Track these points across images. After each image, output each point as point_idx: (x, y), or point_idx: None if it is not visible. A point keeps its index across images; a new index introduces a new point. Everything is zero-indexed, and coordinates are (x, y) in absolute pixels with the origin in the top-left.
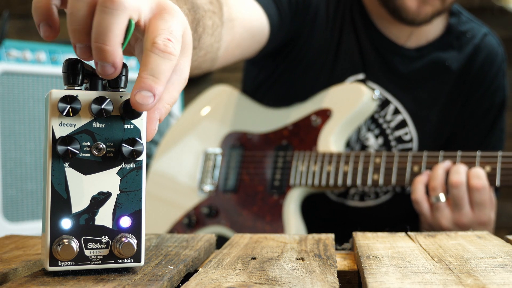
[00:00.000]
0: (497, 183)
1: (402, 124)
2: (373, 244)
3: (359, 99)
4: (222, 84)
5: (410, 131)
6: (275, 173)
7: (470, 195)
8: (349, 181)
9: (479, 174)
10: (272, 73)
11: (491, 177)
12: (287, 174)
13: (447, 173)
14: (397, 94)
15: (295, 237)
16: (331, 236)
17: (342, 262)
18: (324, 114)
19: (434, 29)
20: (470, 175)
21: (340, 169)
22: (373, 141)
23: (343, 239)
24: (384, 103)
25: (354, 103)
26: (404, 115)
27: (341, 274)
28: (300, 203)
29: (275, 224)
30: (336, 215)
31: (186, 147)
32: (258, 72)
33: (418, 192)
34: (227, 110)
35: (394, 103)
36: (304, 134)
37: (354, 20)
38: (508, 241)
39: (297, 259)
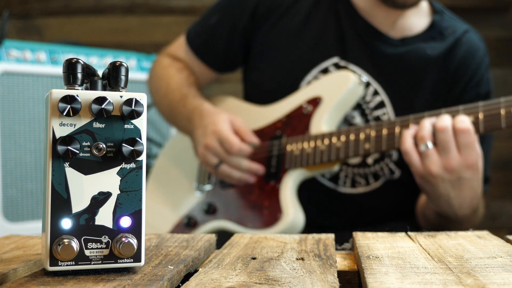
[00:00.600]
0: (481, 130)
1: (380, 105)
2: (373, 244)
3: (347, 84)
4: (220, 95)
5: (388, 112)
6: (271, 161)
7: (456, 139)
8: (341, 155)
9: (463, 119)
10: (249, 71)
11: (475, 125)
12: (282, 159)
13: (434, 127)
14: (377, 76)
15: (295, 237)
16: (331, 236)
17: (342, 262)
18: (315, 102)
19: (418, 25)
20: (455, 120)
21: (333, 145)
22: (359, 120)
23: (337, 226)
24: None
25: (342, 88)
26: (383, 96)
27: (341, 274)
28: (297, 186)
29: (273, 207)
30: (328, 202)
31: (185, 152)
32: (244, 75)
33: (407, 142)
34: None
35: (374, 85)
36: (297, 122)
37: (337, 9)
38: (508, 241)
39: (297, 259)
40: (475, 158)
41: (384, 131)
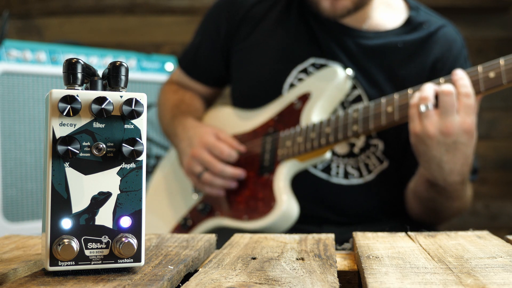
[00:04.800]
0: (482, 88)
1: (358, 99)
2: (373, 244)
3: (334, 78)
4: (217, 105)
5: None
6: (264, 156)
7: (459, 102)
8: (331, 139)
9: (466, 83)
10: (233, 83)
11: (475, 85)
12: (274, 152)
13: (437, 91)
14: (354, 71)
15: (295, 237)
16: (331, 236)
17: (342, 262)
18: (304, 97)
19: (393, 21)
20: (458, 85)
21: (322, 132)
22: (340, 113)
23: (332, 218)
24: None
25: (330, 81)
26: (360, 90)
27: (341, 274)
28: (290, 177)
29: (267, 198)
30: (322, 193)
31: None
32: (230, 88)
33: (414, 98)
34: (218, 122)
35: (353, 80)
36: (288, 118)
37: (305, 16)
38: (508, 241)
39: (297, 259)
40: (473, 124)
41: (371, 112)
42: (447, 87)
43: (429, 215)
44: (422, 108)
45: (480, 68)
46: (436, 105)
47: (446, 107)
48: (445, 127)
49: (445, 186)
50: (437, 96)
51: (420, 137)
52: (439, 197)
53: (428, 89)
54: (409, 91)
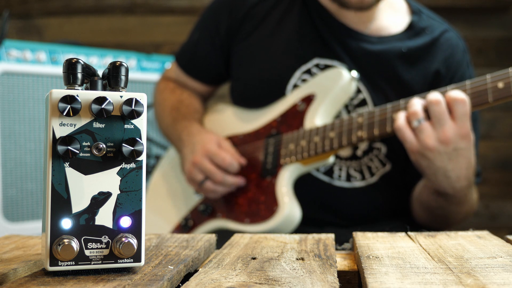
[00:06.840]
0: (490, 99)
1: (363, 102)
2: (373, 244)
3: (339, 80)
4: (216, 103)
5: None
6: (267, 158)
7: (452, 109)
8: (335, 144)
9: (458, 91)
10: (233, 82)
11: (483, 96)
12: (277, 155)
13: (425, 102)
14: (359, 74)
15: (295, 237)
16: (331, 236)
17: (342, 262)
18: (308, 99)
19: (396, 24)
20: (450, 92)
21: (327, 137)
22: (345, 117)
23: (335, 221)
24: None
25: (334, 84)
26: (365, 94)
27: (341, 274)
28: (293, 181)
29: (269, 201)
30: (324, 196)
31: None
32: (230, 87)
33: (399, 119)
34: (220, 122)
35: (357, 83)
36: (291, 120)
37: (309, 13)
38: (508, 241)
39: (297, 259)
40: (469, 128)
41: (376, 118)
42: (434, 97)
43: (438, 222)
44: (414, 123)
45: (488, 77)
46: (428, 117)
47: (437, 116)
48: (442, 136)
49: (454, 193)
50: (426, 109)
51: (421, 152)
52: (448, 204)
53: (416, 103)
54: (415, 96)
